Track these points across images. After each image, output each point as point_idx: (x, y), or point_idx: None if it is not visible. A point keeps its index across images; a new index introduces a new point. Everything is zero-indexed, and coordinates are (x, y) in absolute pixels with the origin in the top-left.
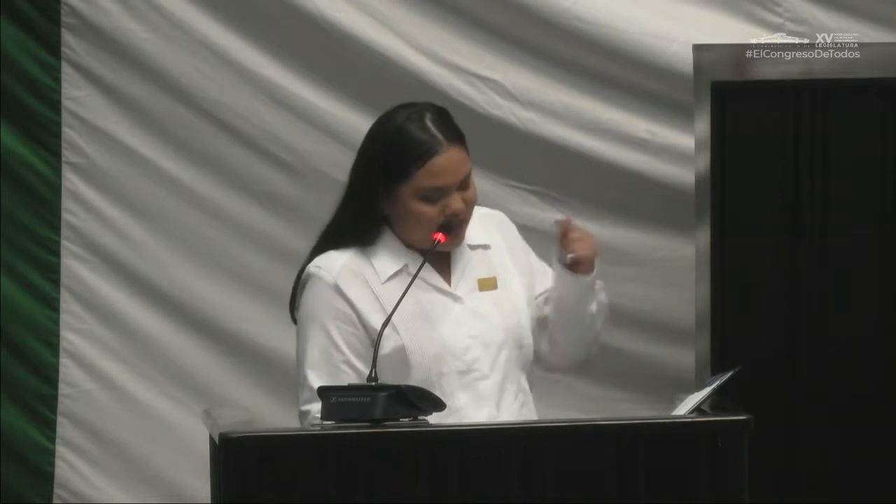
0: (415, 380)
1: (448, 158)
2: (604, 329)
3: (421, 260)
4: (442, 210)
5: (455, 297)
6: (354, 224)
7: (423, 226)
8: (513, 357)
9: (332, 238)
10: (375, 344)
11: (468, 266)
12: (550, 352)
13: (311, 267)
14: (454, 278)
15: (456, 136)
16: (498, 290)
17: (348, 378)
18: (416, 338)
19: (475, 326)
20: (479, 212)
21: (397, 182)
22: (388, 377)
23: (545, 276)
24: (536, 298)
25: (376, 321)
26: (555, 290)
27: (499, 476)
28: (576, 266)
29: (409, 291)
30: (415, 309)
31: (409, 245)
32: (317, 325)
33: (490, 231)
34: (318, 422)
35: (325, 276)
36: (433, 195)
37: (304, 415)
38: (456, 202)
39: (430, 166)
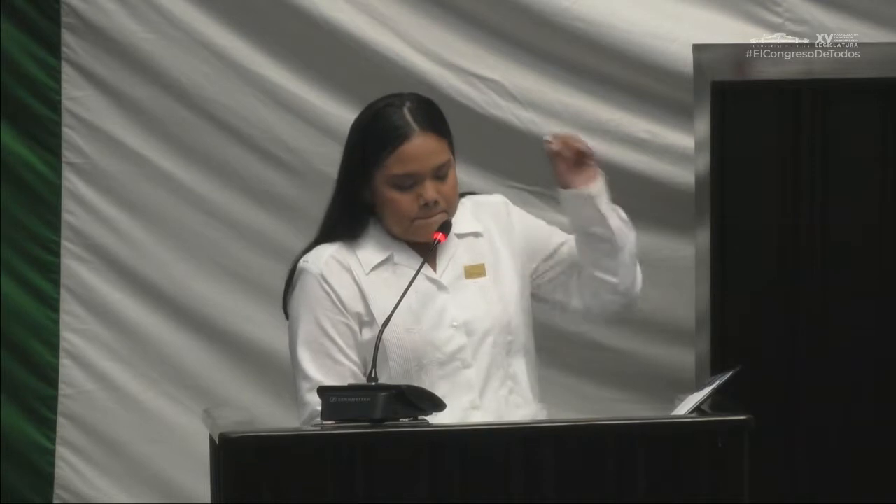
0: (393, 371)
1: (419, 145)
2: (636, 268)
3: (405, 249)
4: (416, 198)
5: (440, 286)
6: (341, 216)
7: (399, 214)
8: (500, 343)
9: (323, 233)
10: (375, 345)
11: (455, 254)
12: (585, 298)
13: (300, 262)
14: (440, 267)
15: (432, 124)
16: (486, 276)
17: (341, 367)
18: (395, 330)
19: (459, 315)
20: (472, 199)
21: (371, 169)
22: (367, 366)
23: (557, 233)
24: (554, 254)
25: (361, 311)
26: (568, 219)
27: (499, 476)
28: (570, 178)
29: (393, 281)
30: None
31: (395, 236)
32: (308, 316)
33: (482, 218)
34: (318, 421)
35: (312, 269)
36: (404, 182)
37: (304, 405)
38: (429, 190)
39: (399, 152)
